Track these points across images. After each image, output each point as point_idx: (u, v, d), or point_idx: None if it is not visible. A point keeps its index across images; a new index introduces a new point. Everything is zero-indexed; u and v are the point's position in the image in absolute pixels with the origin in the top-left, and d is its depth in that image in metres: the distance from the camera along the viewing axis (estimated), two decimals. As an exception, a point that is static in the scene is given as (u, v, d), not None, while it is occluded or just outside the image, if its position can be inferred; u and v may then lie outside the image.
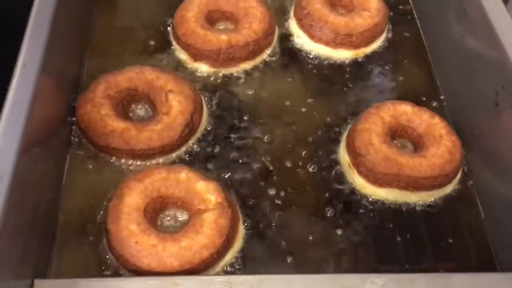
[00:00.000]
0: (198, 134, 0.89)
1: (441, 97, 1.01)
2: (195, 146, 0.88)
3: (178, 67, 0.99)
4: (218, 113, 0.92)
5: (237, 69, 0.98)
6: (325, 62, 1.03)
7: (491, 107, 0.85)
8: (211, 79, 0.98)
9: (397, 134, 0.90)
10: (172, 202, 0.77)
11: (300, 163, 0.88)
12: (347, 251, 0.79)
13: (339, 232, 0.81)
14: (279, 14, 1.10)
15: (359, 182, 0.86)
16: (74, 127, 0.87)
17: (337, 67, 1.03)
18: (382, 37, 1.07)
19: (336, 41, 1.02)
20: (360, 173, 0.85)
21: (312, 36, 1.03)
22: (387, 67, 1.04)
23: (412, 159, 0.83)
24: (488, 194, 0.86)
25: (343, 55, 1.03)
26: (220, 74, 0.98)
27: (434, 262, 0.80)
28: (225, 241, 0.73)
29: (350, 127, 0.91)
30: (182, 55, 0.99)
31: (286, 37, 1.07)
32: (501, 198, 0.83)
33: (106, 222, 0.73)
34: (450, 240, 0.83)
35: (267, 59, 1.01)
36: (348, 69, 1.02)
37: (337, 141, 0.92)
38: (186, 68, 0.99)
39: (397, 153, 0.84)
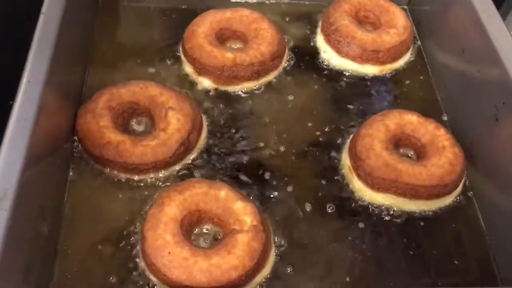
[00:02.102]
0: (195, 152, 0.93)
1: (442, 112, 1.05)
2: (190, 165, 0.91)
3: (182, 80, 1.04)
4: (217, 132, 0.96)
5: (240, 88, 1.03)
6: (348, 76, 1.09)
7: (491, 122, 0.89)
8: (213, 94, 1.02)
9: (401, 142, 0.94)
10: (208, 217, 0.81)
11: (303, 178, 0.92)
12: (351, 264, 0.83)
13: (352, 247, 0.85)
14: (306, 28, 1.16)
15: (357, 185, 0.91)
16: (76, 140, 0.91)
17: (355, 82, 1.08)
18: (408, 54, 1.12)
19: (363, 57, 1.07)
20: (359, 176, 0.90)
21: (339, 52, 1.08)
22: (395, 82, 1.09)
23: (411, 167, 0.88)
24: (490, 209, 0.91)
25: (369, 70, 1.09)
26: (223, 91, 1.02)
27: (434, 276, 0.83)
28: (255, 264, 0.76)
29: (354, 132, 0.96)
30: (188, 68, 1.04)
31: (312, 51, 1.12)
32: (502, 213, 0.87)
33: (143, 229, 0.78)
34: (451, 254, 0.86)
35: (273, 81, 1.06)
36: (362, 84, 1.08)
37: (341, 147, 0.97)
38: (190, 82, 1.03)
39: (397, 160, 0.89)
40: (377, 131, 0.91)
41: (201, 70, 1.01)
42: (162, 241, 0.75)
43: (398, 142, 0.94)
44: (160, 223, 0.77)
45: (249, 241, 0.76)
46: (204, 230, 0.82)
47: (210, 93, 1.01)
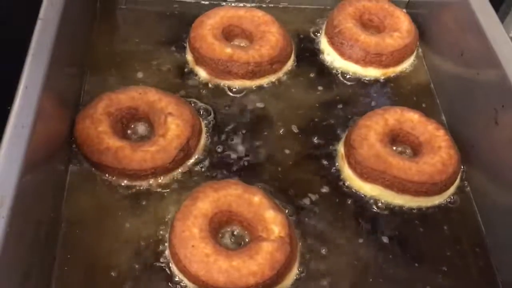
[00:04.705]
0: (194, 158, 0.93)
1: (441, 115, 1.06)
2: (190, 170, 0.92)
3: (183, 66, 1.07)
4: (216, 136, 0.97)
5: (233, 84, 1.05)
6: (350, 79, 1.09)
7: (491, 125, 0.89)
8: (206, 84, 1.05)
9: (399, 139, 0.96)
10: (238, 220, 0.83)
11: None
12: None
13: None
14: (309, 31, 1.18)
15: (347, 173, 0.93)
16: (74, 145, 0.91)
17: (357, 84, 1.09)
18: (412, 58, 1.13)
19: (366, 60, 1.08)
20: (350, 164, 0.92)
21: (342, 54, 1.09)
22: (395, 85, 1.10)
23: (402, 161, 0.89)
24: (489, 211, 0.91)
25: (372, 73, 1.09)
26: (216, 84, 1.04)
27: (433, 277, 0.83)
28: (275, 275, 0.76)
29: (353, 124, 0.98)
30: (189, 56, 1.08)
31: (315, 53, 1.13)
32: (502, 216, 0.87)
33: (174, 218, 0.80)
34: (450, 256, 0.86)
35: (268, 83, 1.06)
36: (364, 86, 1.09)
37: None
38: (188, 69, 1.07)
39: (390, 153, 0.90)
40: (375, 124, 0.93)
41: (199, 60, 1.04)
42: (189, 233, 0.77)
43: (396, 138, 0.95)
44: (190, 216, 0.79)
45: (273, 251, 0.77)
46: (233, 232, 0.83)
47: (204, 83, 1.03)
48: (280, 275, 0.77)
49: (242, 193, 0.82)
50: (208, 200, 0.81)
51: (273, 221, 0.80)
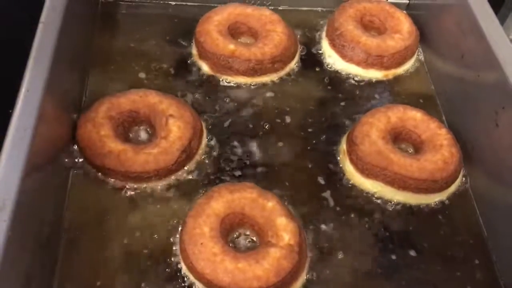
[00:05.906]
0: (196, 159, 0.93)
1: (442, 117, 1.06)
2: (192, 172, 0.92)
3: (184, 66, 1.08)
4: (217, 136, 0.97)
5: (234, 80, 1.06)
6: (352, 81, 1.10)
7: (491, 127, 0.89)
8: (207, 81, 1.06)
9: (401, 137, 0.96)
10: (250, 223, 0.83)
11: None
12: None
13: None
14: (311, 34, 1.18)
15: (349, 169, 0.93)
16: (75, 148, 0.91)
17: (359, 86, 1.09)
18: (413, 59, 1.13)
19: (367, 62, 1.08)
20: (351, 160, 0.93)
21: (343, 56, 1.09)
22: (396, 87, 1.10)
23: (403, 158, 0.90)
24: (491, 213, 0.91)
25: (374, 75, 1.10)
26: (217, 80, 1.06)
27: (435, 281, 0.83)
28: (279, 282, 0.76)
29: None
30: (193, 50, 1.10)
31: (317, 56, 1.14)
32: (504, 218, 0.87)
33: (187, 214, 0.81)
34: (451, 257, 0.86)
35: (273, 82, 1.07)
36: (366, 88, 1.09)
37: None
38: (191, 62, 1.09)
39: (391, 150, 0.91)
40: (378, 121, 0.94)
41: (202, 54, 1.06)
42: (199, 230, 0.78)
43: (399, 135, 0.95)
44: (203, 214, 0.80)
45: (280, 258, 0.76)
46: (245, 234, 0.83)
47: (208, 83, 1.04)
48: (285, 283, 0.76)
49: (257, 197, 0.83)
50: (222, 201, 0.81)
51: (284, 228, 0.79)
